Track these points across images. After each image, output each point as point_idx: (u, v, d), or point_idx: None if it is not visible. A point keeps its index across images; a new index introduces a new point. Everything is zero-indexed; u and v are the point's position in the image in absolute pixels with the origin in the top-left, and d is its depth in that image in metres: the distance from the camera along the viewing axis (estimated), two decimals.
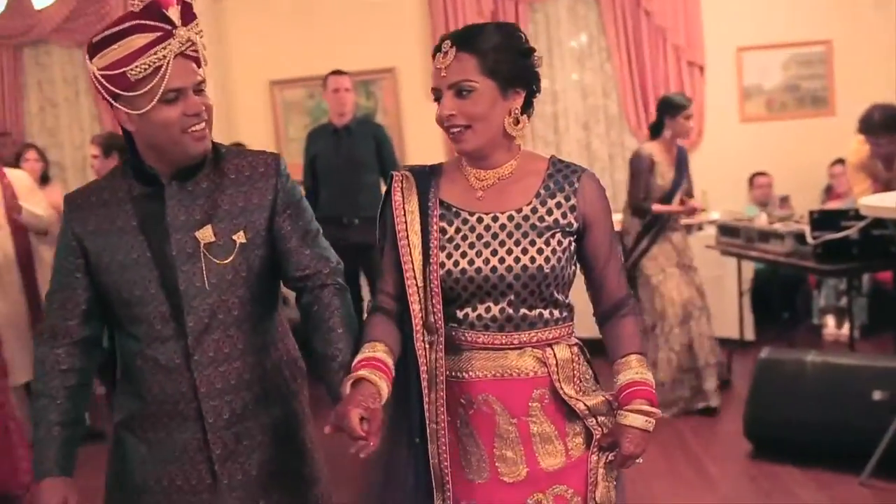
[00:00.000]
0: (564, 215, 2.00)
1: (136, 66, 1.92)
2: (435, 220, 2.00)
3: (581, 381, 2.03)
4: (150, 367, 2.07)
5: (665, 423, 4.66)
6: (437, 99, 1.98)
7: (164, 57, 1.93)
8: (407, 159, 6.91)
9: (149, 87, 1.93)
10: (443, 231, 1.99)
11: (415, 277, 1.98)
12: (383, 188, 5.53)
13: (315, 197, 5.83)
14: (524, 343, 1.99)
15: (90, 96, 7.46)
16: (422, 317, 1.98)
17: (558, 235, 1.98)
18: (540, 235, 1.97)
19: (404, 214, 2.01)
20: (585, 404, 2.00)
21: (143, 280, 2.04)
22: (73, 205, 2.11)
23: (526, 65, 2.00)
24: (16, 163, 6.38)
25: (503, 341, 1.98)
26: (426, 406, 1.98)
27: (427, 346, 1.98)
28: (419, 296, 1.98)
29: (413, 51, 7.12)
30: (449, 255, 1.97)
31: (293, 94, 7.35)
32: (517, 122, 1.99)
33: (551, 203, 2.00)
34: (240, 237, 2.06)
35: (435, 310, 1.97)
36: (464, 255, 1.97)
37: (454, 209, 2.01)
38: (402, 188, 2.05)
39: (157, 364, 2.06)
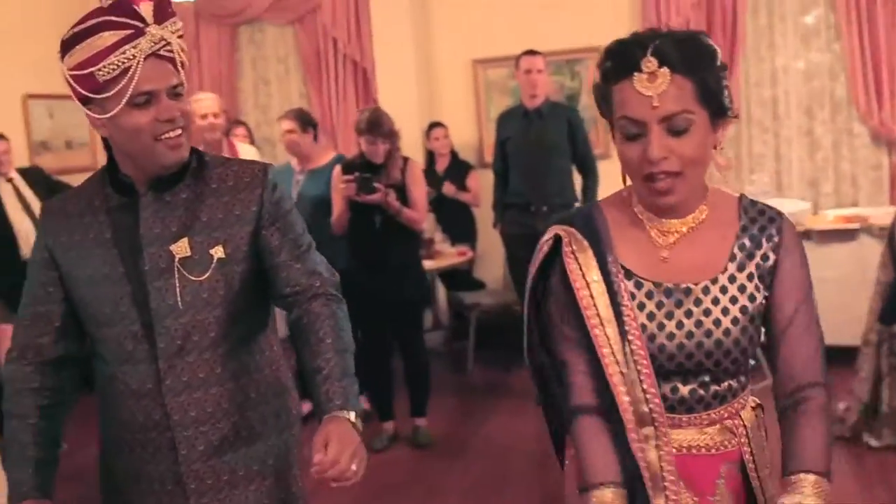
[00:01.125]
0: (762, 278, 1.69)
1: (104, 66, 1.77)
2: (624, 289, 1.68)
3: (763, 443, 1.81)
4: (121, 390, 1.92)
5: None
6: (631, 136, 1.61)
7: (134, 57, 1.77)
8: (610, 142, 6.60)
9: (117, 88, 1.78)
10: (639, 308, 1.69)
11: (616, 362, 1.66)
12: (575, 175, 5.38)
13: (505, 182, 5.66)
14: (714, 421, 1.73)
15: (299, 74, 7.60)
16: (632, 410, 1.67)
17: (758, 299, 1.69)
18: (743, 312, 1.68)
19: (588, 287, 1.68)
20: (764, 488, 1.76)
21: (113, 296, 1.88)
22: (48, 214, 1.98)
23: (727, 87, 1.66)
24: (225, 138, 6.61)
25: (693, 421, 1.73)
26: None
27: (644, 441, 1.68)
28: (625, 385, 1.67)
29: (619, 28, 6.61)
30: (647, 328, 1.68)
31: (496, 74, 7.17)
32: (720, 153, 1.68)
33: (750, 266, 1.69)
34: (217, 251, 1.88)
35: (649, 395, 1.67)
36: (652, 337, 1.68)
37: (635, 278, 1.70)
38: (573, 252, 1.70)
39: (128, 388, 1.91)
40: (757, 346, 1.73)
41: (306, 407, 5.52)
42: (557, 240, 1.73)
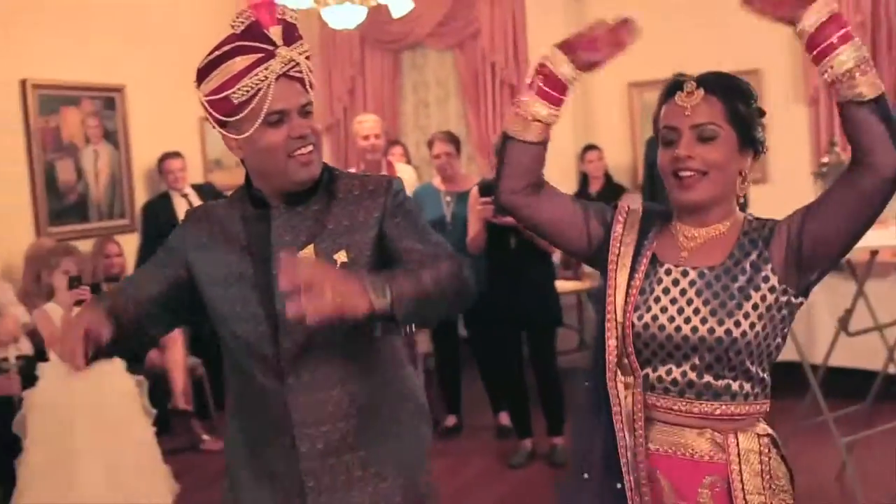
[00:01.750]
0: (758, 269, 1.83)
1: (239, 89, 1.88)
2: (643, 266, 1.91)
3: (772, 479, 1.85)
4: (248, 385, 2.03)
5: None
6: (667, 143, 1.88)
7: (266, 78, 1.88)
8: (767, 167, 6.49)
9: (251, 108, 1.88)
10: (646, 277, 1.90)
11: (615, 315, 1.88)
12: None
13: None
14: (705, 415, 1.84)
15: (458, 97, 7.82)
16: (616, 354, 1.87)
17: (755, 299, 1.82)
18: (731, 298, 1.82)
19: (619, 246, 1.94)
20: None
21: (243, 298, 1.99)
22: (192, 217, 2.12)
23: (760, 126, 1.89)
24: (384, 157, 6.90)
25: (682, 409, 1.86)
26: (621, 451, 1.86)
27: (623, 387, 1.87)
28: (616, 332, 1.88)
29: (779, 52, 6.65)
30: (640, 317, 1.87)
31: (651, 97, 7.10)
32: (744, 181, 1.89)
33: (744, 264, 1.85)
34: (341, 256, 1.95)
35: (629, 351, 1.87)
36: (649, 309, 1.87)
37: (657, 260, 1.92)
38: (624, 221, 1.98)
39: (254, 384, 2.01)
40: (766, 357, 1.83)
41: (451, 420, 5.74)
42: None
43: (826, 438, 4.14)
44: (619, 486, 1.87)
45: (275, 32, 1.91)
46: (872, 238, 3.75)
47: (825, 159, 4.32)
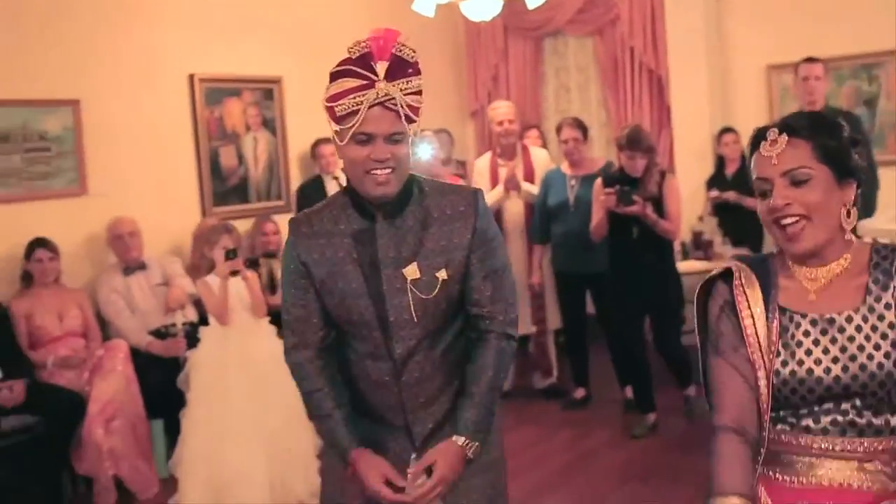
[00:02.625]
0: None
1: (340, 105, 2.14)
2: (775, 322, 1.89)
3: None
4: (364, 377, 2.35)
5: None
6: (762, 194, 1.88)
7: (361, 103, 2.12)
8: None
9: (349, 125, 2.14)
10: (781, 334, 1.88)
11: (767, 379, 1.88)
12: None
13: None
14: (868, 453, 1.84)
15: (598, 82, 8.01)
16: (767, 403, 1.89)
17: None
18: (884, 338, 1.82)
19: (752, 317, 1.90)
20: None
21: (359, 308, 2.27)
22: (298, 232, 2.34)
23: (855, 153, 1.90)
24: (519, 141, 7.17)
25: (845, 448, 1.85)
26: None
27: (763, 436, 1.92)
28: (767, 399, 1.88)
29: None
30: (784, 363, 1.87)
31: (791, 79, 7.14)
32: (849, 214, 1.88)
33: (886, 297, 1.86)
34: (442, 274, 2.25)
35: (764, 418, 1.89)
36: (801, 362, 1.86)
37: (788, 312, 1.90)
38: (742, 285, 1.94)
39: (370, 378, 2.34)
40: None
41: (580, 392, 6.00)
42: (728, 273, 1.97)
43: None
44: None
45: (381, 66, 2.15)
46: None
47: None
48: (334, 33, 6.09)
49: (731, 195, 6.75)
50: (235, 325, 4.74)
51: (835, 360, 1.83)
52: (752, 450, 1.88)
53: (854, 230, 1.90)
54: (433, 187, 2.34)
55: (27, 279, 5.24)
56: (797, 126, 1.86)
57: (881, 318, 1.83)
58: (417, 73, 2.21)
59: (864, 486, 1.84)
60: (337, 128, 2.19)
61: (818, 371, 1.83)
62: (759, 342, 1.88)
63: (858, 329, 1.83)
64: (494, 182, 6.09)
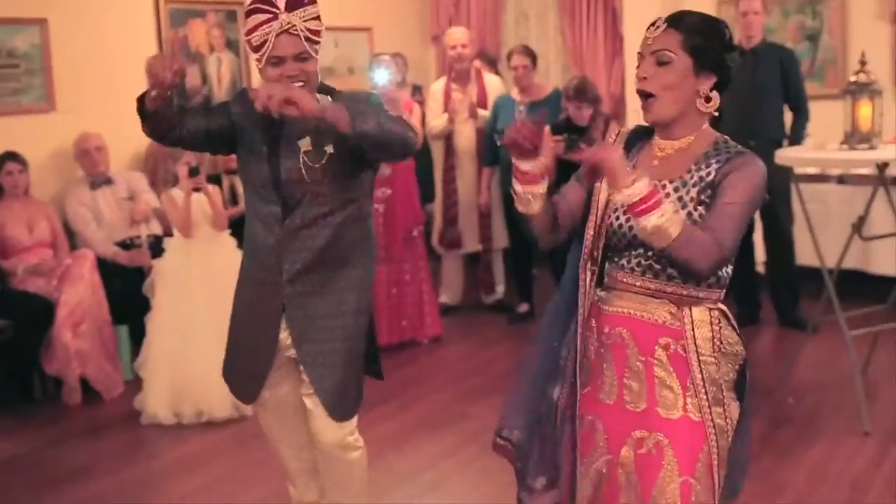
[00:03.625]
0: (702, 190, 2.15)
1: (253, 37, 2.66)
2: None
3: (723, 345, 2.22)
4: (254, 221, 2.93)
5: None
6: (638, 66, 2.21)
7: (269, 33, 2.63)
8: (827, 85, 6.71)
9: (262, 52, 2.66)
10: None
11: (596, 216, 2.28)
12: (787, 114, 5.68)
13: (718, 117, 6.01)
14: (663, 293, 2.21)
15: (555, 9, 8.22)
16: (589, 247, 2.28)
17: (700, 208, 2.14)
18: (683, 207, 2.15)
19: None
20: (703, 375, 2.18)
21: (258, 164, 2.83)
22: (240, 97, 2.93)
23: (723, 54, 2.18)
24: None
25: (645, 286, 2.23)
26: (576, 321, 2.32)
27: (589, 273, 2.29)
28: (594, 231, 2.28)
29: None
30: (613, 212, 2.24)
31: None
32: (708, 100, 2.18)
33: (697, 177, 2.16)
34: (329, 148, 2.76)
35: (598, 246, 2.29)
36: (625, 211, 2.19)
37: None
38: (614, 142, 2.34)
39: (258, 219, 2.89)
40: None
41: (524, 307, 6.37)
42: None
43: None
44: (555, 343, 2.37)
45: (281, 1, 2.64)
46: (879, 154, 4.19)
47: (853, 78, 4.63)
48: None
49: None
50: (198, 236, 5.03)
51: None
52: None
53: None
54: (342, 94, 2.85)
55: None
56: (678, 20, 2.17)
57: (687, 192, 2.16)
58: (313, 2, 2.70)
59: (650, 317, 2.24)
60: (256, 55, 2.70)
61: (625, 225, 2.22)
62: (601, 187, 2.27)
63: (667, 195, 2.16)
64: (447, 106, 6.36)
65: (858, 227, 4.40)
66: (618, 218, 2.24)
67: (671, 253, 2.08)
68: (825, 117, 5.82)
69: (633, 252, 2.24)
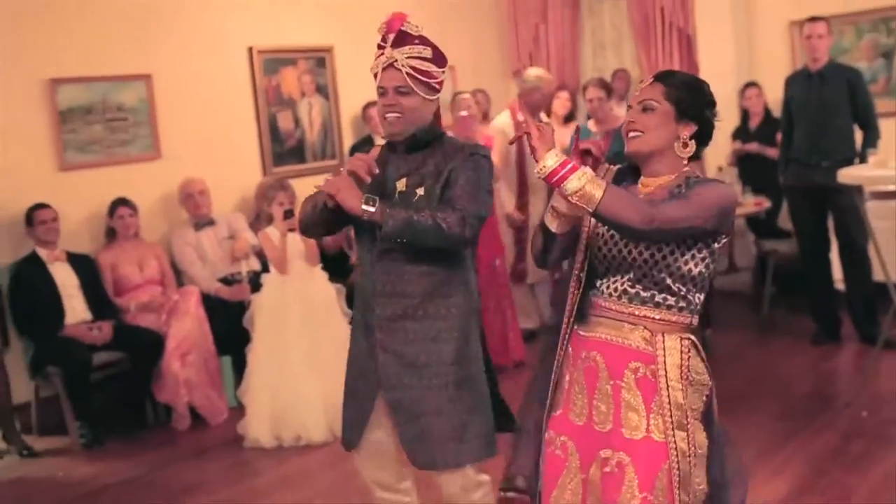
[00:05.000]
0: None
1: (372, 69, 2.93)
2: None
3: (690, 373, 2.37)
4: (359, 265, 3.08)
5: None
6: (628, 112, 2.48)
7: (378, 66, 2.90)
8: None
9: (376, 82, 2.92)
10: None
11: (585, 241, 2.50)
12: (857, 133, 5.80)
13: (789, 139, 6.17)
14: (637, 317, 2.39)
15: (631, 40, 8.44)
16: (580, 268, 2.50)
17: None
18: None
19: None
20: (670, 399, 2.33)
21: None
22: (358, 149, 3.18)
23: (703, 108, 2.42)
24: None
25: (620, 311, 2.41)
26: (561, 336, 2.52)
27: (577, 291, 2.50)
28: (583, 255, 2.50)
29: None
30: (603, 238, 2.45)
31: None
32: (685, 146, 2.41)
33: None
34: (420, 191, 2.90)
35: (584, 268, 2.51)
36: (605, 242, 2.44)
37: None
38: (604, 176, 2.52)
39: (362, 262, 3.05)
40: (682, 278, 2.34)
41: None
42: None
43: None
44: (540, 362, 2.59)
45: (390, 38, 2.88)
46: None
47: None
48: (380, 4, 6.64)
49: (753, 146, 7.22)
50: (293, 272, 5.40)
51: (616, 243, 2.41)
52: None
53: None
54: (450, 142, 3.00)
55: (111, 234, 5.99)
56: (664, 76, 2.46)
57: None
58: (423, 43, 2.89)
59: (623, 342, 2.41)
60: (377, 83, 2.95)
61: (605, 249, 2.43)
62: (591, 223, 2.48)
63: None
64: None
65: None
66: (606, 243, 2.43)
67: (602, 213, 2.27)
68: None
69: (612, 277, 2.43)
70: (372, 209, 2.78)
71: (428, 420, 2.92)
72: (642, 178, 2.47)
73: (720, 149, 7.65)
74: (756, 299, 7.06)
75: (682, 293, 2.39)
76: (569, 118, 7.62)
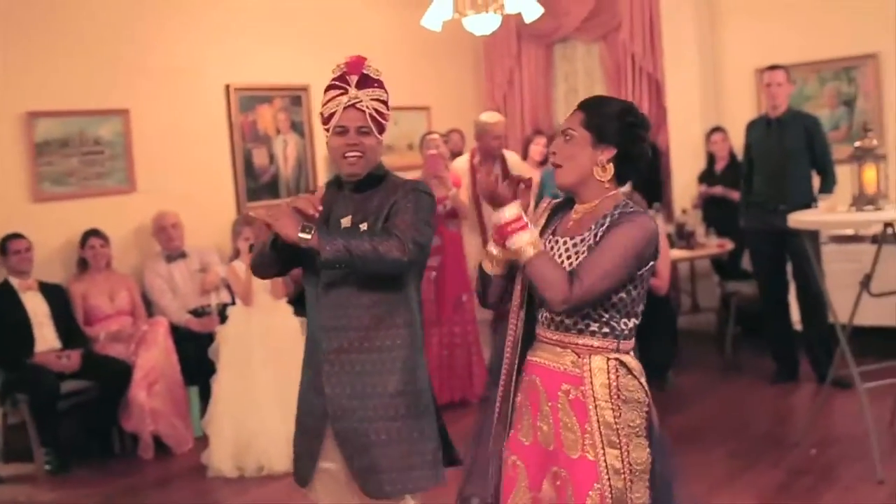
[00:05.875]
0: (591, 247, 2.44)
1: (325, 108, 2.91)
2: (547, 237, 2.57)
3: (621, 392, 2.43)
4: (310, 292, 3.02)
5: None
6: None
7: (339, 104, 2.88)
8: (888, 144, 6.93)
9: (331, 122, 2.90)
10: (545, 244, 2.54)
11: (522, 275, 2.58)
12: (815, 179, 5.96)
13: (749, 183, 6.33)
14: (565, 343, 2.48)
15: (603, 85, 8.63)
16: (520, 298, 2.58)
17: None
18: (573, 257, 2.45)
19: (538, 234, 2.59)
20: (599, 419, 2.41)
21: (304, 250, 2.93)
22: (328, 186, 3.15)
23: (623, 131, 2.48)
24: (525, 147, 7.88)
25: (550, 337, 2.52)
26: (504, 364, 2.60)
27: (518, 320, 2.58)
28: (521, 285, 2.57)
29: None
30: None
31: None
32: (604, 169, 2.48)
33: (592, 235, 2.45)
34: (363, 227, 2.91)
35: (524, 298, 2.59)
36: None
37: (549, 233, 2.58)
38: (544, 209, 2.68)
39: (308, 297, 3.04)
40: (606, 306, 2.41)
41: None
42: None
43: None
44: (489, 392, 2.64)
45: (352, 79, 2.90)
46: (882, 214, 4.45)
47: (857, 144, 4.90)
48: (356, 45, 6.78)
49: (717, 189, 7.38)
50: (257, 305, 5.51)
51: None
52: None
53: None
54: (393, 180, 3.01)
55: (83, 264, 6.10)
56: (585, 103, 2.55)
57: (582, 244, 2.45)
58: (381, 87, 2.94)
59: (556, 365, 2.50)
60: (325, 127, 2.94)
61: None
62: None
63: (567, 250, 2.48)
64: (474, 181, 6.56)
65: (866, 283, 4.65)
66: None
67: (529, 273, 2.41)
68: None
69: (545, 307, 2.50)
70: (308, 236, 2.78)
71: (377, 450, 2.95)
72: (575, 205, 2.56)
73: (686, 191, 7.85)
74: (720, 339, 7.19)
75: (605, 319, 2.45)
76: (545, 163, 7.76)
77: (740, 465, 4.87)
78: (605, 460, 2.40)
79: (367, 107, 2.89)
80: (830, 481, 4.57)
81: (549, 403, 2.50)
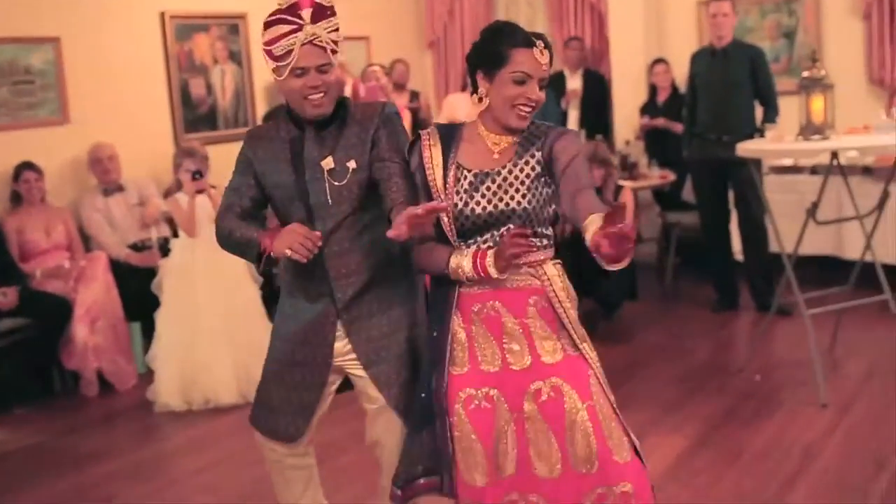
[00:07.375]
0: (533, 168, 2.54)
1: (277, 47, 2.61)
2: (452, 174, 2.57)
3: (568, 290, 2.59)
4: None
5: None
6: (520, 81, 2.46)
7: (294, 44, 2.60)
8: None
9: (285, 63, 2.61)
10: (456, 181, 2.57)
11: (448, 216, 2.56)
12: (757, 109, 6.00)
13: (692, 114, 6.36)
14: (522, 262, 2.53)
15: (544, 15, 8.55)
16: (449, 229, 2.57)
17: (535, 185, 2.52)
18: (521, 184, 2.52)
19: (433, 169, 2.61)
20: (569, 317, 2.55)
21: (288, 196, 2.79)
22: (250, 135, 2.89)
23: (471, 56, 2.59)
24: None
25: None
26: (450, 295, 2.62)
27: (457, 253, 2.58)
28: (448, 217, 2.57)
29: None
30: (456, 205, 2.54)
31: None
32: (480, 100, 2.58)
33: (526, 157, 2.55)
34: (351, 164, 2.73)
35: (453, 230, 2.59)
36: (466, 203, 2.53)
37: (461, 167, 2.58)
38: (430, 145, 2.61)
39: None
40: (544, 221, 2.53)
41: None
42: (418, 137, 2.64)
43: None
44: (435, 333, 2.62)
45: (306, 13, 2.62)
46: (830, 143, 4.51)
47: (805, 74, 4.93)
48: None
49: (660, 121, 7.40)
50: (202, 236, 5.38)
51: (489, 200, 2.51)
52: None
53: None
54: (353, 104, 2.84)
55: (16, 199, 5.88)
56: (547, 43, 2.55)
57: (522, 171, 2.52)
58: (334, 14, 2.68)
59: (516, 284, 2.55)
60: (275, 65, 2.65)
61: (478, 209, 2.53)
62: (439, 188, 2.56)
63: (504, 179, 2.53)
64: None
65: (812, 211, 4.71)
66: (466, 203, 2.53)
67: None
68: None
69: (488, 233, 2.53)
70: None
71: (404, 374, 2.87)
72: (489, 134, 2.58)
73: (628, 122, 7.86)
74: (660, 270, 7.27)
75: (545, 233, 2.59)
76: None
77: (686, 391, 4.95)
78: (586, 351, 2.57)
79: (327, 42, 2.64)
80: (775, 405, 4.68)
81: (517, 320, 2.55)
